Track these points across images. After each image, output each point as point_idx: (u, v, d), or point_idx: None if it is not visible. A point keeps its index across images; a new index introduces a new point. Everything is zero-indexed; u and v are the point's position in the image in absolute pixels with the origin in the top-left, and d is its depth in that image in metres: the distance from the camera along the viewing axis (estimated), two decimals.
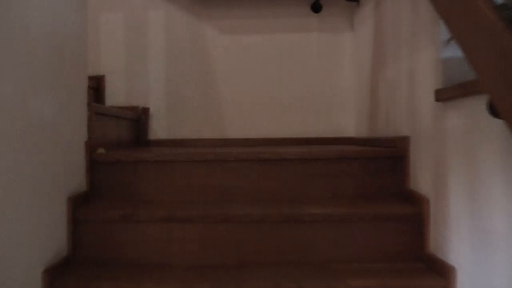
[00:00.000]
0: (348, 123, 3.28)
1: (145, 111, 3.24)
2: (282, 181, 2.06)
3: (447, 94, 1.56)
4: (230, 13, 3.32)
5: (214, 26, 3.32)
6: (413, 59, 1.94)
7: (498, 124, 1.27)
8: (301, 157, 2.05)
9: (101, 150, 2.11)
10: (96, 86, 3.21)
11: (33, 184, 1.56)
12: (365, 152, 2.06)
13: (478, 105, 1.38)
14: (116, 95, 3.29)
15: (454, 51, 1.60)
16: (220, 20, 3.32)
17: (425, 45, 1.79)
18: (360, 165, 2.07)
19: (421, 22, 1.84)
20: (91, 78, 3.18)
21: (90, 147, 2.05)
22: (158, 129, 3.31)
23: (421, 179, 1.85)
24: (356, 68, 3.18)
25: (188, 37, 3.32)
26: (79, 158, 1.97)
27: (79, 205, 1.91)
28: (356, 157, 2.06)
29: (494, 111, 1.09)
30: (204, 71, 3.33)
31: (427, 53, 1.77)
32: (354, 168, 2.07)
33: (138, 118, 3.19)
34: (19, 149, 1.47)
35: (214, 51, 3.33)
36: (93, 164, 2.06)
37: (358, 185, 2.07)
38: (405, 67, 2.05)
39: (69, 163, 1.86)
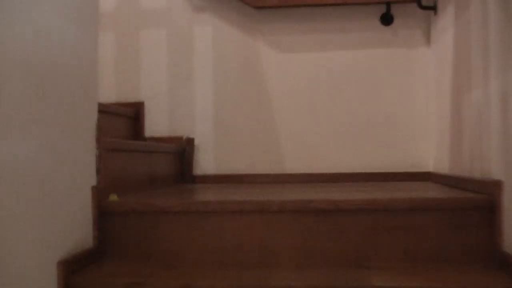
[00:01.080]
0: (425, 155, 2.84)
1: (190, 142, 2.92)
2: (338, 238, 1.66)
3: None
4: (287, 28, 2.97)
5: (269, 43, 2.98)
6: (505, 78, 1.51)
7: None
8: (363, 207, 1.64)
9: (113, 197, 1.77)
10: (135, 115, 2.92)
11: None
12: (444, 202, 1.65)
13: None
14: (157, 124, 2.99)
15: None
16: (276, 37, 2.98)
17: None
18: (438, 217, 1.64)
19: None
20: (128, 105, 2.91)
21: (99, 193, 1.73)
22: (205, 163, 2.98)
23: None
24: (434, 90, 2.74)
25: (240, 56, 3.00)
26: (82, 208, 1.65)
27: (79, 267, 1.58)
28: (432, 208, 1.63)
29: None
30: (258, 95, 2.99)
31: None
32: (430, 221, 1.65)
33: (182, 150, 2.86)
34: None
35: (270, 72, 2.98)
36: (103, 215, 1.72)
37: (437, 243, 1.64)
38: (495, 89, 1.63)
39: (66, 215, 1.55)
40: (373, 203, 1.64)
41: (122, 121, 2.76)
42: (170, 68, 3.02)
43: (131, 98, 3.01)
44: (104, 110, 2.42)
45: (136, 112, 2.94)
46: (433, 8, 2.70)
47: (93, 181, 1.71)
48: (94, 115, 1.73)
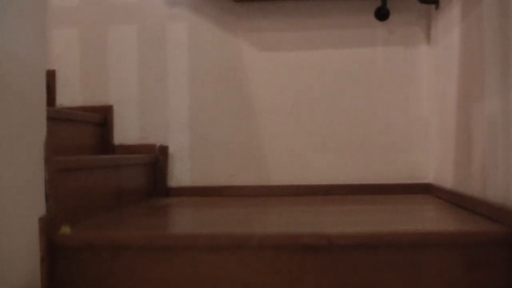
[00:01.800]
0: (425, 165, 2.64)
1: (163, 150, 2.69)
2: (332, 279, 1.42)
3: None
4: (271, 24, 2.76)
5: (252, 41, 2.76)
6: None
7: None
8: (360, 242, 1.41)
9: (65, 230, 1.53)
10: (103, 120, 2.68)
11: None
12: (458, 236, 1.43)
13: None
14: (128, 130, 2.76)
15: None
16: (259, 33, 2.76)
17: None
18: (450, 253, 1.42)
19: None
20: (95, 109, 2.68)
21: (50, 225, 1.48)
22: (181, 174, 2.75)
23: None
24: (436, 94, 2.53)
25: (219, 55, 2.78)
26: (27, 245, 1.41)
27: None
28: (445, 243, 1.42)
29: None
30: (240, 98, 2.77)
31: None
32: (442, 258, 1.42)
33: (155, 160, 2.63)
34: None
35: (253, 72, 2.77)
36: (55, 251, 1.48)
37: (449, 283, 1.41)
38: None
39: (6, 255, 1.31)
40: (371, 237, 1.42)
41: (88, 128, 2.52)
42: (142, 69, 2.79)
43: (98, 101, 2.77)
44: (65, 118, 2.19)
45: (104, 117, 2.69)
46: (435, 1, 2.48)
47: (41, 210, 1.46)
48: (42, 131, 1.48)
